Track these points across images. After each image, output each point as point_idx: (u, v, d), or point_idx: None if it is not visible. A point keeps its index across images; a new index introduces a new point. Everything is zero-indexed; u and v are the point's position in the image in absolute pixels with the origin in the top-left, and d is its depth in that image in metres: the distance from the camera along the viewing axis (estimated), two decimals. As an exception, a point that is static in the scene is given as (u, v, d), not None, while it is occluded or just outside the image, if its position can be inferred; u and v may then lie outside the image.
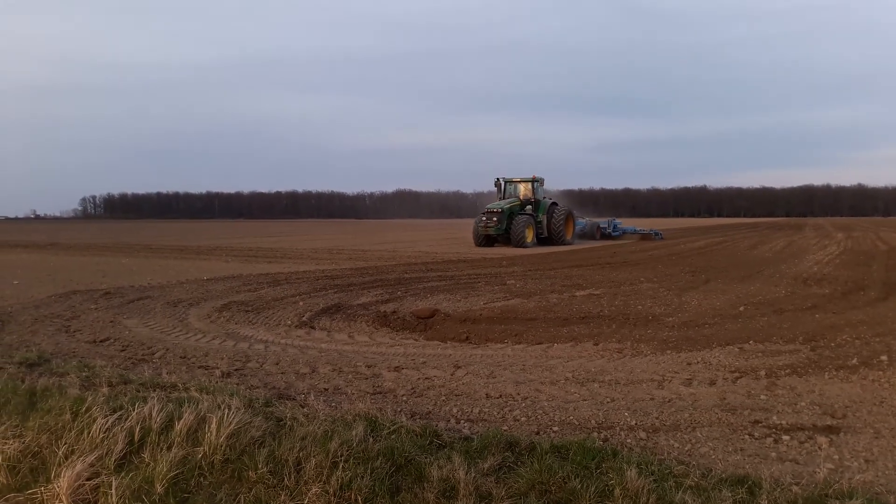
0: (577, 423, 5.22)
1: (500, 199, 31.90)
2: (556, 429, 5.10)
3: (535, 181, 31.85)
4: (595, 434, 4.90)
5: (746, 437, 4.86)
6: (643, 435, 4.93)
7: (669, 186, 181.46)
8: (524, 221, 29.58)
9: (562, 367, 7.01)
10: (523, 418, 5.35)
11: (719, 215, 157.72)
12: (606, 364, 7.13)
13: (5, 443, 4.61)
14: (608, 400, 5.80)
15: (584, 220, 37.03)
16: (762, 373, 6.56)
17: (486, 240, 29.98)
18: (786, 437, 4.83)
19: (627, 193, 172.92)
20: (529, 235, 29.60)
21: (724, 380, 6.39)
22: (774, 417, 5.26)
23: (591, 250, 27.62)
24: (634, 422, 5.22)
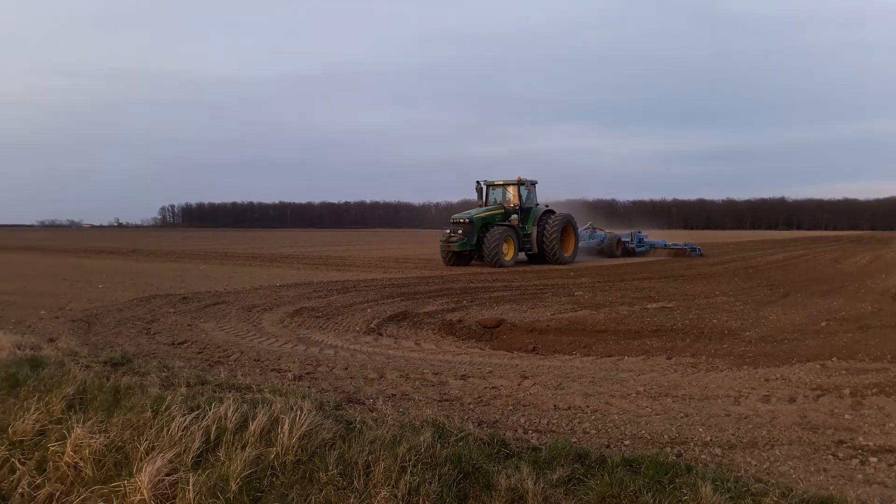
0: (648, 438, 5.09)
1: (481, 206, 25.73)
2: (627, 442, 4.99)
3: (522, 184, 25.56)
4: (668, 449, 4.76)
5: (830, 457, 4.63)
6: (718, 451, 4.76)
7: (746, 198, 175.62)
8: (499, 235, 23.32)
9: (633, 380, 6.85)
10: (593, 431, 5.25)
11: (798, 228, 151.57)
12: (680, 378, 6.93)
13: (92, 437, 4.84)
14: (681, 415, 5.63)
15: (602, 233, 31.69)
16: (846, 391, 6.24)
17: (455, 257, 24.03)
18: (873, 459, 4.57)
19: (702, 205, 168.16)
20: (509, 252, 23.82)
21: (805, 397, 6.11)
22: (860, 438, 4.99)
23: (661, 263, 26.88)
24: (709, 438, 5.04)
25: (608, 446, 4.86)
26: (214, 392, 5.53)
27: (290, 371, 7.26)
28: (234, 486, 4.09)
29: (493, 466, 4.08)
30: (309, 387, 6.42)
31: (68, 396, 5.55)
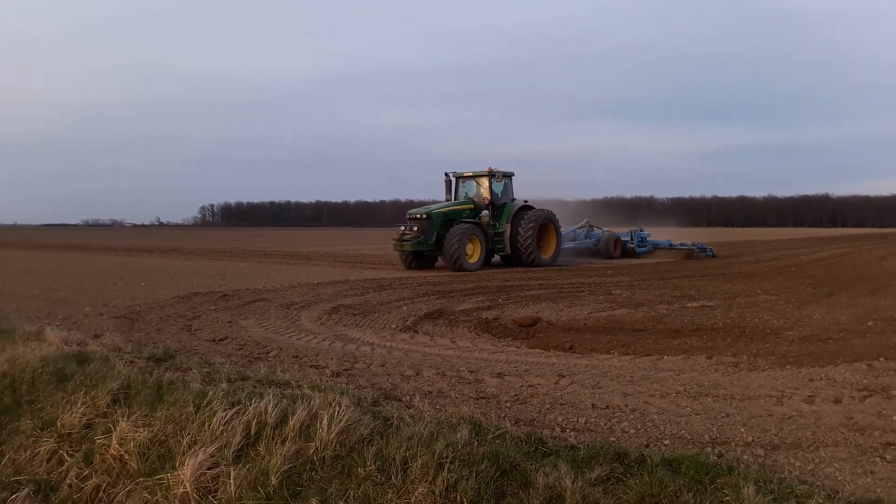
0: (689, 438, 5.01)
1: (449, 199, 22.81)
2: (666, 442, 4.92)
3: (493, 175, 22.16)
4: (709, 449, 4.69)
5: (877, 459, 4.50)
6: (761, 452, 4.67)
7: (788, 194, 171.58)
8: (462, 233, 19.95)
9: (672, 379, 6.76)
10: (632, 430, 5.20)
11: (843, 225, 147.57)
12: (721, 378, 6.81)
13: (136, 430, 4.96)
14: (722, 415, 5.53)
15: (599, 232, 28.41)
16: (895, 392, 6.07)
17: (415, 259, 21.01)
18: (923, 462, 4.43)
19: (742, 202, 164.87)
20: (474, 253, 20.53)
21: (851, 398, 5.95)
22: (910, 440, 4.84)
23: (697, 262, 26.42)
24: (751, 438, 4.95)
25: (647, 446, 4.80)
26: (255, 387, 5.61)
27: (328, 367, 7.33)
28: (273, 481, 4.15)
29: (531, 464, 4.06)
30: (347, 383, 6.47)
31: (113, 391, 5.70)
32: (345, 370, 7.27)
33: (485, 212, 21.46)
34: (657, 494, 3.71)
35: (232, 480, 4.19)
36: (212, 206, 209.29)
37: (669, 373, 7.10)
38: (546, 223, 22.65)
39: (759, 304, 12.37)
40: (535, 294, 14.38)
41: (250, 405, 4.88)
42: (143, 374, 6.10)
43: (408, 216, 21.17)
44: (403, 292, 14.36)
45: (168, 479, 4.45)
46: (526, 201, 22.76)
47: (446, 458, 4.07)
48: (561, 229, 25.45)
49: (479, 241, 20.68)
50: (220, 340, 8.98)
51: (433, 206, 21.31)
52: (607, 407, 5.79)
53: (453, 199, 22.66)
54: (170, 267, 22.84)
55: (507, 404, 5.91)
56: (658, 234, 33.93)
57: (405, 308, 12.11)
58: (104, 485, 4.92)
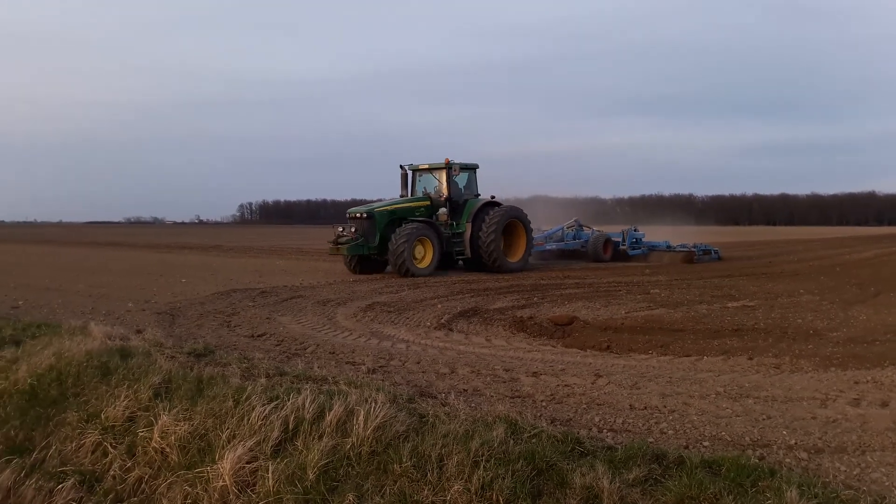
0: (729, 440, 4.92)
1: (405, 195, 20.05)
2: (706, 444, 4.84)
3: (450, 168, 19.05)
4: (750, 451, 4.59)
5: (928, 465, 4.37)
6: (804, 455, 4.56)
7: (832, 192, 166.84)
8: (409, 234, 17.20)
9: (712, 380, 6.64)
10: (671, 431, 5.12)
11: (890, 224, 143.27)
12: (762, 379, 6.68)
13: (177, 424, 5.05)
14: (764, 417, 5.42)
15: (589, 232, 25.64)
16: (946, 397, 5.87)
17: (359, 262, 18.38)
18: (977, 469, 4.28)
19: (784, 200, 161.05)
20: (425, 256, 17.78)
21: (900, 402, 5.78)
22: (962, 446, 4.68)
23: (738, 262, 25.89)
24: (794, 441, 4.84)
25: (687, 447, 4.73)
26: (292, 383, 5.67)
27: (363, 364, 7.38)
28: (311, 475, 4.18)
29: (568, 464, 4.03)
30: (382, 380, 6.50)
31: (155, 385, 5.82)
32: (380, 367, 7.31)
33: (442, 209, 18.85)
34: (696, 497, 3.65)
35: (270, 474, 4.24)
36: (250, 204, 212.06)
37: (709, 374, 6.98)
38: (513, 222, 19.55)
39: (801, 305, 12.09)
40: (571, 293, 14.28)
41: (288, 400, 4.94)
42: (183, 369, 6.22)
43: (347, 215, 18.70)
44: (438, 290, 14.39)
45: (208, 472, 4.53)
46: (493, 197, 19.95)
47: (482, 456, 4.06)
48: (545, 229, 24.22)
49: (431, 242, 17.86)
50: (258, 336, 9.10)
51: (377, 204, 18.74)
52: (645, 407, 5.72)
53: (409, 194, 20.02)
54: (210, 264, 23.23)
55: (543, 404, 5.88)
56: (672, 234, 32.07)
57: (439, 306, 12.13)
58: (146, 477, 5.02)
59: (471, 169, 20.31)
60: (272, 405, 4.93)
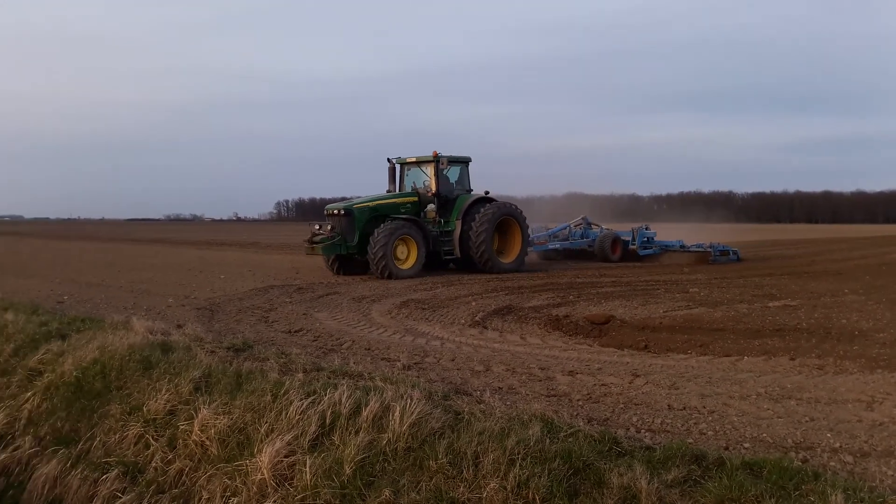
0: (770, 442, 4.82)
1: (392, 191, 18.67)
2: (747, 445, 4.75)
3: (438, 160, 17.58)
4: (792, 454, 4.49)
5: (979, 471, 4.22)
6: (849, 459, 4.44)
7: (878, 189, 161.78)
8: (389, 233, 15.93)
9: (753, 381, 6.51)
10: (710, 432, 5.04)
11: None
12: (805, 381, 6.52)
13: (217, 418, 5.14)
14: (807, 419, 5.29)
15: (597, 230, 24.06)
16: None
17: (340, 263, 17.08)
18: None
19: (827, 197, 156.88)
20: (409, 257, 16.51)
21: (951, 405, 5.60)
22: None
23: (783, 259, 25.32)
24: (838, 444, 4.72)
25: (727, 448, 4.65)
26: (329, 378, 5.72)
27: (398, 360, 7.41)
28: (347, 470, 4.22)
29: (605, 464, 3.99)
30: (417, 376, 6.52)
31: (195, 379, 5.93)
32: (415, 364, 7.33)
33: (430, 206, 17.52)
34: (737, 499, 3.59)
35: (308, 469, 4.29)
36: (286, 201, 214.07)
37: (750, 374, 6.85)
38: (507, 219, 18.07)
39: (846, 305, 11.78)
40: (608, 291, 14.13)
41: (325, 395, 4.99)
42: (223, 364, 6.32)
43: (325, 211, 17.41)
44: (472, 287, 14.37)
45: (247, 465, 4.60)
46: (487, 192, 18.40)
47: (518, 454, 4.05)
48: (550, 226, 23.25)
49: (416, 241, 16.49)
50: (295, 332, 9.20)
51: (356, 200, 17.30)
52: (684, 408, 5.63)
53: (397, 189, 18.68)
54: (247, 260, 23.55)
55: (580, 403, 5.83)
56: (698, 232, 30.79)
57: (474, 304, 12.11)
58: (187, 469, 5.12)
59: (462, 162, 18.82)
60: (309, 400, 4.99)
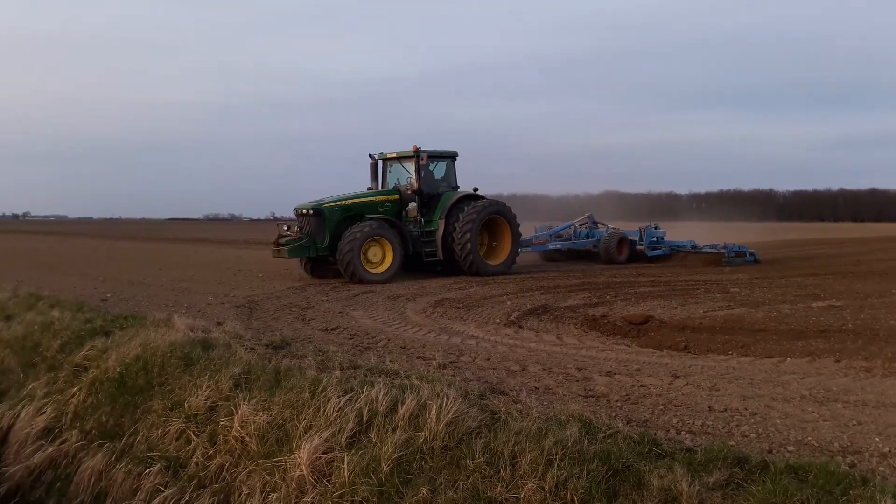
0: (816, 445, 4.71)
1: (374, 188, 17.41)
2: (791, 448, 4.64)
3: (417, 155, 16.36)
4: (839, 458, 4.37)
5: None
6: (900, 464, 4.31)
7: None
8: (360, 234, 14.82)
9: (796, 383, 6.36)
10: (752, 434, 4.94)
11: None
12: (851, 383, 6.35)
13: (256, 414, 5.20)
14: (854, 422, 5.15)
15: (602, 229, 22.50)
16: None
17: (315, 264, 16.24)
18: None
19: (874, 195, 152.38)
20: (383, 260, 15.30)
21: None
22: None
23: (827, 258, 24.67)
24: (888, 448, 4.58)
25: (770, 452, 4.55)
26: (366, 376, 5.75)
27: (434, 359, 7.42)
28: (385, 468, 4.23)
29: (645, 466, 3.94)
30: (453, 375, 6.52)
31: (235, 376, 6.02)
32: (451, 362, 7.33)
33: (412, 204, 16.38)
34: (781, 503, 3.50)
35: (345, 466, 4.32)
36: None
37: (793, 376, 6.70)
38: (495, 218, 16.90)
39: (894, 305, 11.44)
40: (646, 291, 13.95)
41: (362, 393, 5.01)
42: (262, 361, 6.40)
43: (294, 211, 16.32)
44: (507, 287, 14.32)
45: (286, 461, 4.65)
46: (475, 189, 17.25)
47: (556, 454, 4.01)
48: (553, 225, 22.33)
49: (390, 242, 15.28)
50: (332, 330, 9.28)
51: (328, 198, 16.06)
52: (725, 410, 5.53)
53: (380, 186, 17.50)
54: (285, 260, 23.77)
55: (618, 404, 5.76)
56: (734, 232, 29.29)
57: (509, 303, 12.07)
58: (227, 464, 5.20)
59: (448, 157, 17.50)
60: (347, 397, 5.02)
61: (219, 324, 8.98)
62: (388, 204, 16.34)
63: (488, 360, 7.50)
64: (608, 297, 13.07)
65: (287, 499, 4.54)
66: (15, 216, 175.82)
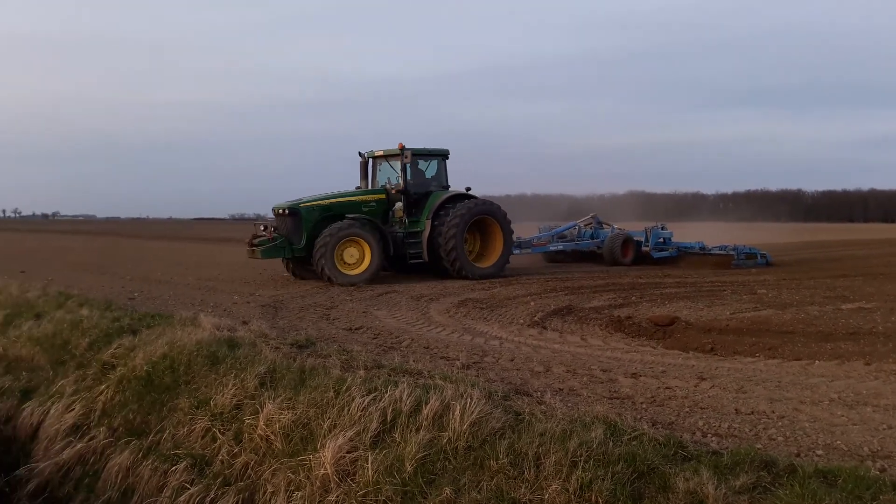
0: (845, 449, 4.63)
1: (363, 187, 16.84)
2: (819, 452, 4.57)
3: (402, 152, 15.75)
4: (869, 462, 4.30)
5: None
6: (932, 470, 4.22)
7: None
8: (335, 235, 14.38)
9: (825, 386, 6.27)
10: (780, 438, 4.87)
11: None
12: (882, 387, 6.24)
13: (281, 413, 5.24)
14: (884, 427, 5.06)
15: (607, 230, 21.77)
16: None
17: (293, 265, 15.95)
18: None
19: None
20: (360, 261, 14.74)
21: None
22: None
23: (857, 259, 24.25)
24: (920, 454, 4.49)
25: (798, 455, 4.48)
26: (389, 376, 5.76)
27: (457, 360, 7.41)
28: (408, 468, 4.24)
29: (670, 468, 3.90)
30: (476, 376, 6.51)
31: (260, 375, 6.06)
32: (474, 363, 7.32)
33: (398, 204, 15.77)
34: (810, 508, 3.45)
35: (370, 465, 4.33)
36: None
37: (821, 379, 6.59)
38: (484, 219, 16.28)
39: (926, 308, 11.21)
40: (672, 292, 13.82)
41: (386, 393, 5.03)
42: (287, 360, 6.44)
43: (272, 210, 15.77)
44: (530, 287, 14.27)
45: (310, 460, 4.67)
46: (468, 189, 16.62)
47: (580, 456, 3.99)
48: (555, 225, 21.65)
49: (368, 243, 14.72)
50: (355, 329, 9.32)
51: (307, 197, 15.48)
52: (752, 412, 5.46)
53: (370, 185, 16.91)
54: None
55: (643, 406, 5.72)
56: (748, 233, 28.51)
57: (532, 303, 12.02)
58: (252, 463, 5.24)
59: (438, 156, 16.81)
60: (370, 397, 5.03)
61: (244, 323, 9.06)
62: (374, 203, 15.79)
63: (512, 360, 7.48)
64: (633, 298, 12.98)
65: (311, 497, 4.57)
66: (45, 216, 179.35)
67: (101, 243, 37.73)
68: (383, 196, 15.94)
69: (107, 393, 7.21)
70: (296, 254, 14.95)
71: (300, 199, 15.30)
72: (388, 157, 16.47)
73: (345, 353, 6.89)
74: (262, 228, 15.60)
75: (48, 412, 7.53)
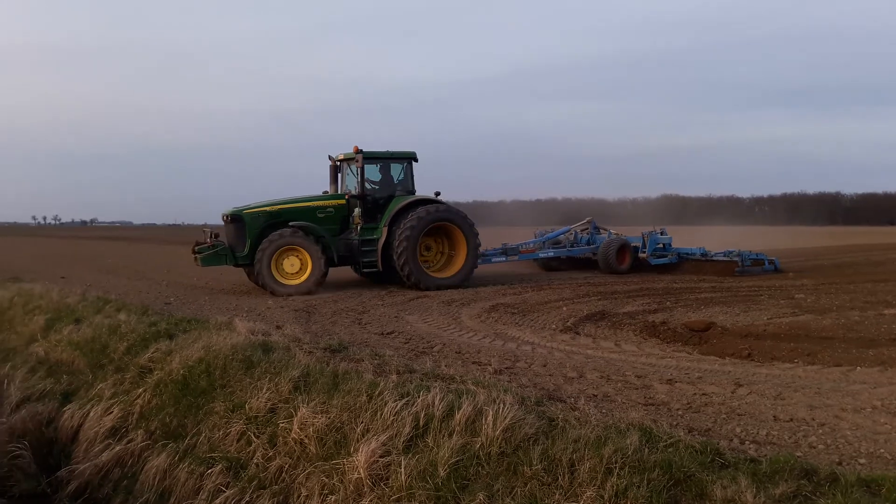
0: (889, 458, 4.51)
1: (332, 192, 16.19)
2: (862, 461, 4.45)
3: (356, 156, 14.99)
4: (915, 472, 4.18)
5: None
6: (981, 480, 4.08)
7: None
8: (275, 244, 13.92)
9: (867, 393, 6.10)
10: (820, 446, 4.76)
11: None
12: (927, 394, 6.06)
13: (315, 417, 5.27)
14: (931, 435, 4.91)
15: (604, 235, 20.77)
16: None
17: (249, 272, 15.25)
18: None
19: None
20: (300, 271, 14.21)
21: None
22: None
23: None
24: (968, 464, 4.35)
25: (839, 463, 4.38)
26: (422, 381, 5.77)
27: (489, 365, 7.39)
28: (441, 472, 4.24)
29: (707, 476, 3.84)
30: (509, 381, 6.48)
31: (294, 379, 6.11)
32: (506, 368, 7.29)
33: (357, 210, 14.94)
34: (853, 518, 3.36)
35: (403, 469, 4.34)
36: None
37: (863, 385, 6.43)
38: (444, 226, 15.36)
39: (973, 313, 10.87)
40: (707, 297, 13.62)
41: (418, 397, 5.03)
42: (320, 364, 6.48)
43: (222, 216, 15.06)
44: (563, 292, 14.18)
45: (344, 464, 4.69)
46: (437, 193, 15.71)
47: (615, 463, 3.95)
48: (548, 230, 20.83)
49: (310, 252, 14.14)
50: (387, 334, 9.35)
51: (254, 203, 14.88)
52: (791, 419, 5.35)
53: (339, 190, 16.27)
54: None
55: (679, 412, 5.63)
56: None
57: (565, 309, 11.94)
58: (286, 466, 5.28)
59: (403, 159, 15.97)
60: (403, 402, 5.04)
61: (278, 327, 9.15)
62: (331, 209, 15.13)
63: (545, 366, 7.44)
64: (668, 303, 12.82)
65: (345, 501, 4.59)
66: (83, 222, 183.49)
67: (137, 249, 38.47)
68: (343, 201, 15.30)
69: (144, 396, 7.33)
70: (239, 262, 14.45)
71: (246, 206, 14.79)
72: (347, 160, 15.79)
73: (377, 357, 6.92)
74: (209, 236, 14.85)
75: (88, 415, 7.68)
